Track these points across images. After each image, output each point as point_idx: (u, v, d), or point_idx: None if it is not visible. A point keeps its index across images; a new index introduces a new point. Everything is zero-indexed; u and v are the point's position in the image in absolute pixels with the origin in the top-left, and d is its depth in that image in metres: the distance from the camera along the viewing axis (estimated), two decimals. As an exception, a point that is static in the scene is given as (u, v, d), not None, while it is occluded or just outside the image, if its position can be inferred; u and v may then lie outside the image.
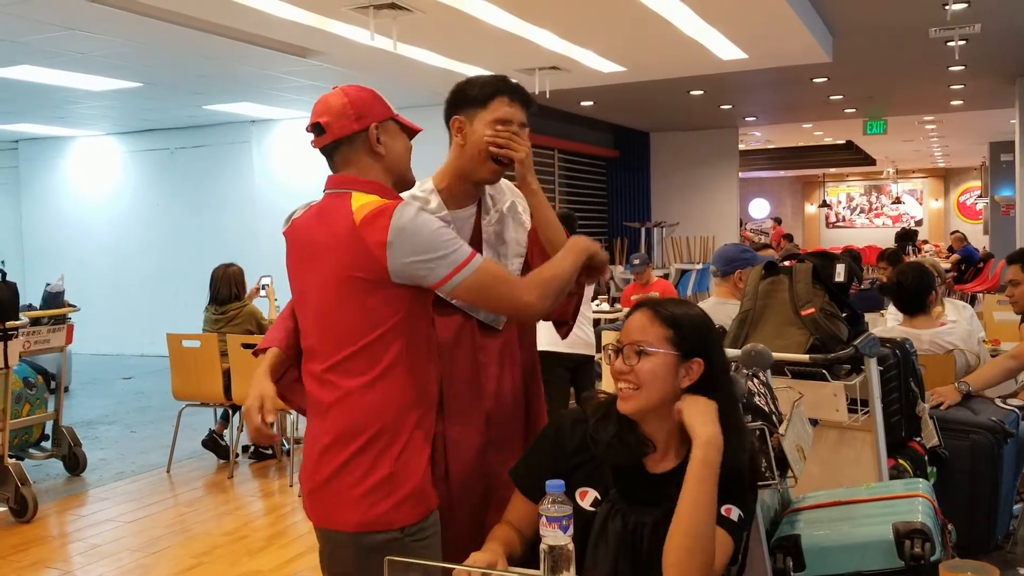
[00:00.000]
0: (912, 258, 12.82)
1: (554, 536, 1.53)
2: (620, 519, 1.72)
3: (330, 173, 1.96)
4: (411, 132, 2.01)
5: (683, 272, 12.30)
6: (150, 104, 9.21)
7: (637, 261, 7.55)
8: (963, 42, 7.61)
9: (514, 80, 2.12)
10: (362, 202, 1.84)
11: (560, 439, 1.83)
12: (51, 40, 6.24)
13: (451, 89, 2.12)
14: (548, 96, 8.40)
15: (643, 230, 13.01)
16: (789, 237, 17.49)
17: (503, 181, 2.21)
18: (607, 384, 4.36)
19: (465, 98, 2.09)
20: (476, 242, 2.15)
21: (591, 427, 1.79)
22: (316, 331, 1.88)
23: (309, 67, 7.44)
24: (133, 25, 5.86)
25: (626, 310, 7.15)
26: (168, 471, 5.73)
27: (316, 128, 1.94)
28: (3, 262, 6.86)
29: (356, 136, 1.92)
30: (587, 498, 1.77)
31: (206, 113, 9.84)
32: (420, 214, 1.81)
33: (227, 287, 5.90)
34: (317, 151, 1.99)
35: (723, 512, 1.68)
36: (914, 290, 3.78)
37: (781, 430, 2.02)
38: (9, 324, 4.63)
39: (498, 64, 7.71)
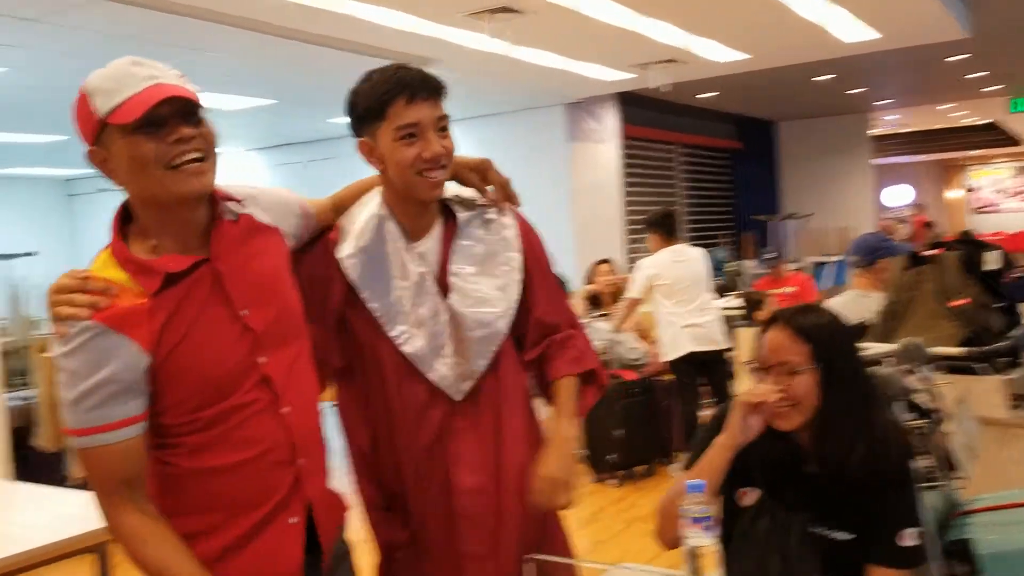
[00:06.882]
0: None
1: (697, 537, 1.48)
2: (769, 517, 1.71)
3: None
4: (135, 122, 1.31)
5: (818, 265, 11.87)
6: (282, 120, 9.61)
7: (770, 256, 7.46)
8: (1121, 4, 7.03)
9: (418, 71, 1.75)
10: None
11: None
12: (184, 64, 6.56)
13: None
14: (665, 90, 8.25)
15: (772, 223, 12.63)
16: (931, 225, 16.61)
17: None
18: (744, 383, 4.27)
19: (358, 115, 1.76)
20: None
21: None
22: None
23: (429, 76, 7.57)
24: (261, 45, 6.10)
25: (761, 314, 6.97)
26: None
27: None
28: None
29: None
30: (746, 498, 1.77)
31: (332, 126, 10.15)
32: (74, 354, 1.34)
33: None
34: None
35: (897, 542, 1.66)
36: None
37: (950, 428, 1.91)
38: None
39: (614, 60, 7.64)
